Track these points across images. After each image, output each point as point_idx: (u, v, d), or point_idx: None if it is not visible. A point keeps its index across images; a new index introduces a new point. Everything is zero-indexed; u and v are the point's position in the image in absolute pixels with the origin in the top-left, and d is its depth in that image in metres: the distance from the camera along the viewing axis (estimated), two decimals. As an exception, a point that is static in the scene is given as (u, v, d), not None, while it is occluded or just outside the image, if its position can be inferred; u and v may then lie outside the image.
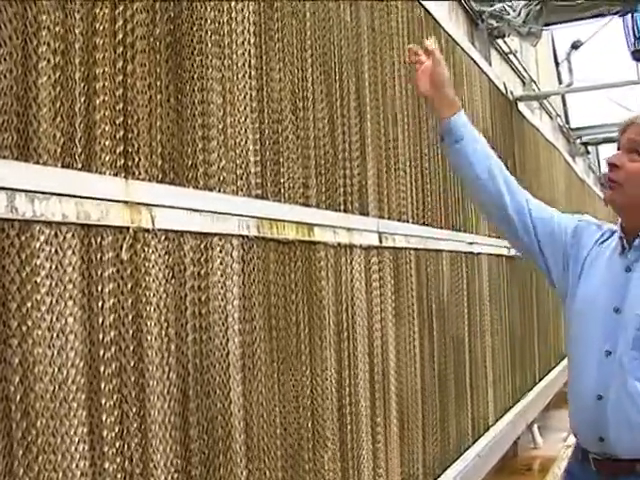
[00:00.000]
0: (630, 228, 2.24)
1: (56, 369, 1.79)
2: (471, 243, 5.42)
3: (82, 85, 1.92)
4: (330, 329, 3.08)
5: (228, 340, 2.41)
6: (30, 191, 1.74)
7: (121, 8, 2.05)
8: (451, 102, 2.41)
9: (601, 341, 2.22)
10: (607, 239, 2.34)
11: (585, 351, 2.26)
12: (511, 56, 10.13)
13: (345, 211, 3.30)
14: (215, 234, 2.37)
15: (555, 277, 2.41)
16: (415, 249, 4.17)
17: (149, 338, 2.08)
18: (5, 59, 1.71)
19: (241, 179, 2.54)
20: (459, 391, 4.91)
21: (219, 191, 2.41)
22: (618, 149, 2.25)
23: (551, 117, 14.33)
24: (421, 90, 2.45)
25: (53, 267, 1.81)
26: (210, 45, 2.42)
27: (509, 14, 7.97)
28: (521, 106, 7.72)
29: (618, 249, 2.27)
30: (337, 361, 3.12)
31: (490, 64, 7.57)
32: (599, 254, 2.32)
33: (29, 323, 1.72)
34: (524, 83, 10.94)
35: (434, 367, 4.39)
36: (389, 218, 3.83)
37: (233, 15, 2.54)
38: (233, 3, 2.55)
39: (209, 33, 2.41)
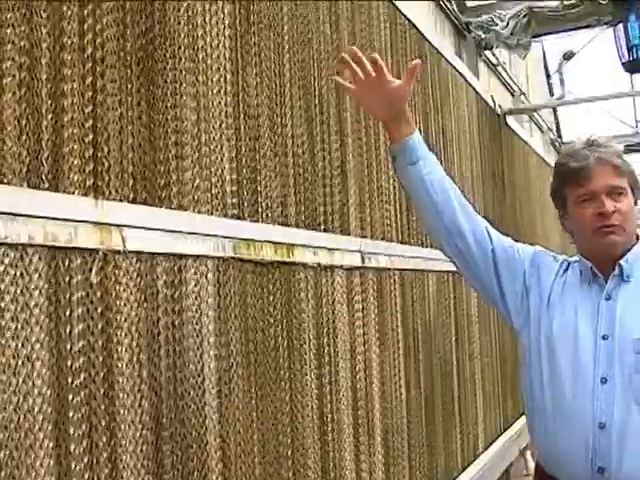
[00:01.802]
0: (608, 260, 2.26)
1: (21, 397, 1.71)
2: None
3: (49, 102, 1.85)
4: (311, 353, 3.00)
5: (203, 365, 2.33)
6: (-6, 212, 1.67)
7: (90, 22, 1.98)
8: (408, 120, 2.34)
9: (592, 369, 2.19)
10: (566, 269, 2.36)
11: (574, 380, 2.21)
12: (500, 68, 10.10)
13: (326, 231, 3.22)
14: (189, 255, 2.29)
15: (511, 307, 2.39)
16: (400, 269, 4.10)
17: (120, 364, 2.00)
18: (-33, 75, 1.64)
19: (216, 198, 2.47)
20: (447, 416, 4.82)
21: (193, 211, 2.34)
22: (588, 197, 2.25)
23: (542, 131, 14.33)
24: (372, 108, 2.39)
25: (18, 291, 1.73)
26: (184, 60, 2.35)
27: (497, 25, 7.93)
28: (510, 120, 7.66)
29: (586, 278, 2.30)
30: (318, 387, 3.04)
31: (478, 77, 7.53)
32: (566, 284, 2.33)
33: (-7, 350, 1.65)
34: (513, 96, 10.93)
35: (420, 392, 4.30)
36: (372, 237, 3.76)
37: (207, 29, 2.48)
38: (207, 17, 2.48)
39: (182, 47, 2.35)
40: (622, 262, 2.24)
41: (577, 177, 2.26)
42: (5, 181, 1.72)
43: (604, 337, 2.20)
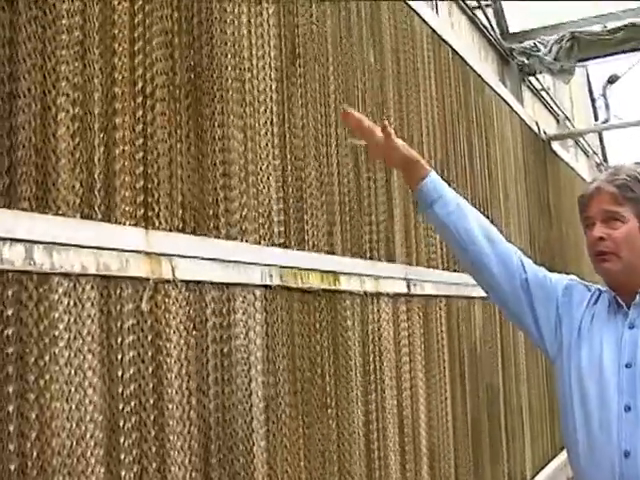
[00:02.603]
0: (627, 289, 2.25)
1: (74, 424, 1.75)
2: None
3: (101, 135, 1.91)
4: (357, 380, 3.01)
5: (251, 393, 2.35)
6: (48, 243, 1.72)
7: (140, 57, 2.04)
8: (421, 165, 2.36)
9: (617, 397, 2.18)
10: (597, 299, 2.34)
11: (600, 410, 2.20)
12: (544, 93, 10.05)
13: (371, 258, 3.25)
14: (237, 284, 2.33)
15: (546, 336, 2.38)
16: (445, 296, 4.10)
17: (170, 391, 2.03)
18: (24, 110, 1.70)
19: (263, 228, 2.50)
20: (494, 443, 4.78)
21: (241, 240, 2.38)
22: (588, 223, 2.27)
23: (587, 155, 14.21)
24: (385, 160, 2.47)
25: (72, 320, 1.78)
26: (231, 92, 2.40)
27: (540, 51, 7.91)
28: (555, 145, 7.63)
29: (613, 308, 2.29)
30: (365, 413, 3.05)
31: (522, 102, 7.51)
32: (595, 314, 2.32)
33: (47, 377, 1.69)
34: (558, 121, 10.87)
35: (467, 418, 4.28)
36: (417, 265, 3.77)
37: (254, 62, 2.53)
38: (254, 50, 2.53)
39: (230, 80, 2.40)
40: None
41: (580, 204, 2.31)
42: (59, 212, 1.77)
43: (627, 365, 2.19)
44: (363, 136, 2.33)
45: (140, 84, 2.04)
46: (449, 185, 2.41)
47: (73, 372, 1.76)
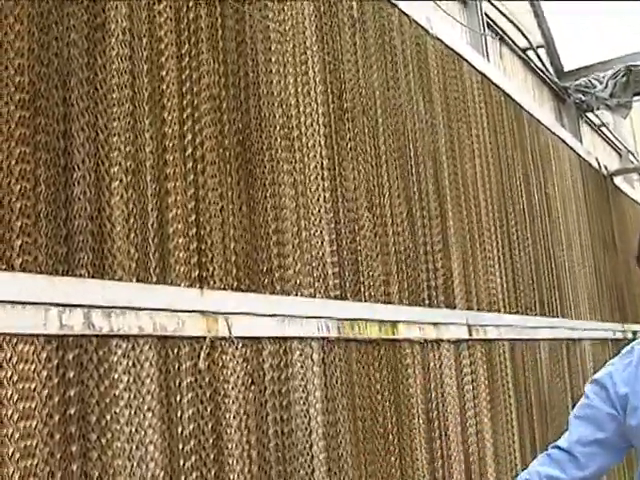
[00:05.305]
0: None
1: (136, 481, 1.80)
2: (571, 329, 5.26)
3: (154, 201, 1.98)
4: (420, 428, 3.01)
5: (312, 444, 2.38)
6: (106, 307, 1.79)
7: (189, 123, 2.12)
8: None
9: None
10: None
11: None
12: (604, 129, 9.96)
13: (430, 305, 3.26)
14: (294, 338, 2.37)
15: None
16: (509, 340, 4.07)
17: (230, 446, 2.07)
18: (79, 182, 1.79)
19: (318, 281, 2.55)
20: (566, 485, 4.68)
21: (296, 295, 2.43)
22: None
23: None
24: None
25: (131, 380, 1.84)
26: (280, 151, 2.47)
27: (595, 87, 7.86)
28: (618, 180, 7.54)
29: None
30: (429, 462, 3.04)
31: (580, 139, 7.45)
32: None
33: (108, 435, 1.75)
34: (620, 156, 10.75)
35: (537, 461, 4.21)
36: (478, 309, 3.76)
37: (302, 119, 2.60)
38: (302, 107, 2.60)
39: (278, 139, 2.47)
40: None
41: None
42: (116, 277, 1.84)
43: None
44: None
45: (190, 149, 2.12)
46: None
47: (134, 430, 1.82)
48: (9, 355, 1.57)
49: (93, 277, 1.79)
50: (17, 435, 1.56)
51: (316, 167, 2.64)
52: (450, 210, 3.63)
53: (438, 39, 3.79)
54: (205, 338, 2.05)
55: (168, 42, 2.09)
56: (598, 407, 2.24)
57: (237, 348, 2.16)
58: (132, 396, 1.83)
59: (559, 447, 2.20)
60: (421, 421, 3.03)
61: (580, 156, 6.34)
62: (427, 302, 3.25)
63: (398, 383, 2.91)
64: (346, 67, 2.93)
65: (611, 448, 2.21)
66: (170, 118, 2.06)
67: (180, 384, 1.96)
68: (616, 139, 10.69)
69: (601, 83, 7.73)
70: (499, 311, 4.04)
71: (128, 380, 1.83)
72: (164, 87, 2.07)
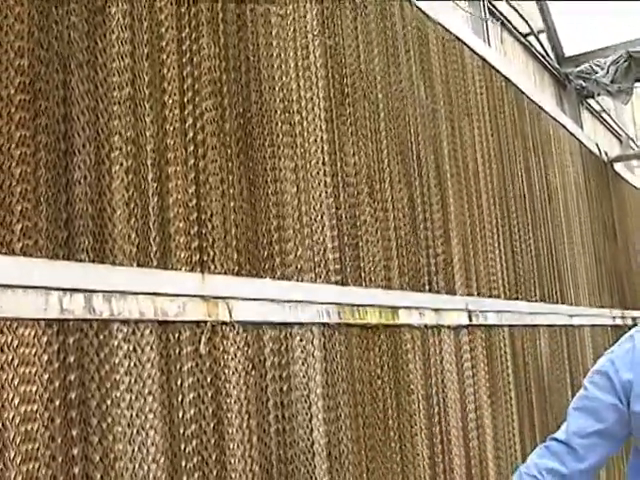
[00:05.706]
0: None
1: (137, 465, 1.80)
2: (571, 316, 5.26)
3: (155, 185, 1.98)
4: (420, 413, 3.01)
5: (312, 429, 2.39)
6: (107, 291, 1.79)
7: (190, 107, 2.11)
8: None
9: None
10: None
11: None
12: (605, 115, 9.94)
13: (430, 291, 3.26)
14: (295, 323, 2.37)
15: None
16: (509, 325, 4.07)
17: (230, 430, 2.08)
18: (79, 166, 1.78)
19: (319, 266, 2.54)
20: (565, 472, 4.69)
21: (297, 280, 2.42)
22: None
23: (655, 175, 13.98)
24: None
25: (132, 364, 1.84)
26: (281, 135, 2.46)
27: (597, 73, 7.83)
28: (618, 166, 7.52)
29: None
30: (429, 446, 3.05)
31: (581, 125, 7.43)
32: None
33: (109, 420, 1.75)
34: (621, 142, 10.74)
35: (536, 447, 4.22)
36: (478, 295, 3.76)
37: (303, 104, 2.59)
38: (302, 92, 2.59)
39: (279, 124, 2.46)
40: None
41: None
42: (116, 262, 1.84)
43: None
44: None
45: (191, 133, 2.11)
46: None
47: (135, 415, 1.82)
48: (10, 339, 1.57)
49: (94, 261, 1.78)
50: (18, 419, 1.55)
51: (317, 152, 2.63)
52: (451, 196, 3.62)
53: (439, 24, 3.78)
54: (206, 323, 2.05)
55: (168, 25, 2.08)
56: (599, 398, 2.23)
57: (238, 333, 2.15)
58: (133, 380, 1.83)
59: (557, 439, 2.20)
60: (421, 406, 3.03)
61: (581, 142, 6.33)
62: (427, 288, 3.25)
63: (398, 369, 2.91)
64: (347, 52, 2.92)
65: (611, 439, 2.20)
66: (171, 102, 2.05)
67: (181, 369, 1.96)
68: (617, 125, 10.67)
69: (602, 69, 7.70)
70: (499, 297, 4.04)
71: (129, 364, 1.83)
72: (165, 71, 2.06)
